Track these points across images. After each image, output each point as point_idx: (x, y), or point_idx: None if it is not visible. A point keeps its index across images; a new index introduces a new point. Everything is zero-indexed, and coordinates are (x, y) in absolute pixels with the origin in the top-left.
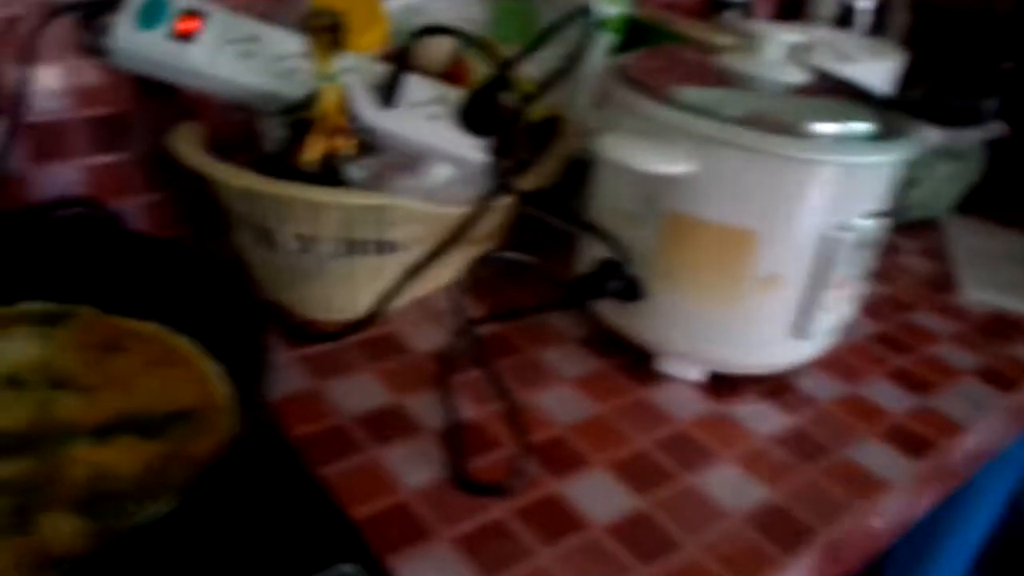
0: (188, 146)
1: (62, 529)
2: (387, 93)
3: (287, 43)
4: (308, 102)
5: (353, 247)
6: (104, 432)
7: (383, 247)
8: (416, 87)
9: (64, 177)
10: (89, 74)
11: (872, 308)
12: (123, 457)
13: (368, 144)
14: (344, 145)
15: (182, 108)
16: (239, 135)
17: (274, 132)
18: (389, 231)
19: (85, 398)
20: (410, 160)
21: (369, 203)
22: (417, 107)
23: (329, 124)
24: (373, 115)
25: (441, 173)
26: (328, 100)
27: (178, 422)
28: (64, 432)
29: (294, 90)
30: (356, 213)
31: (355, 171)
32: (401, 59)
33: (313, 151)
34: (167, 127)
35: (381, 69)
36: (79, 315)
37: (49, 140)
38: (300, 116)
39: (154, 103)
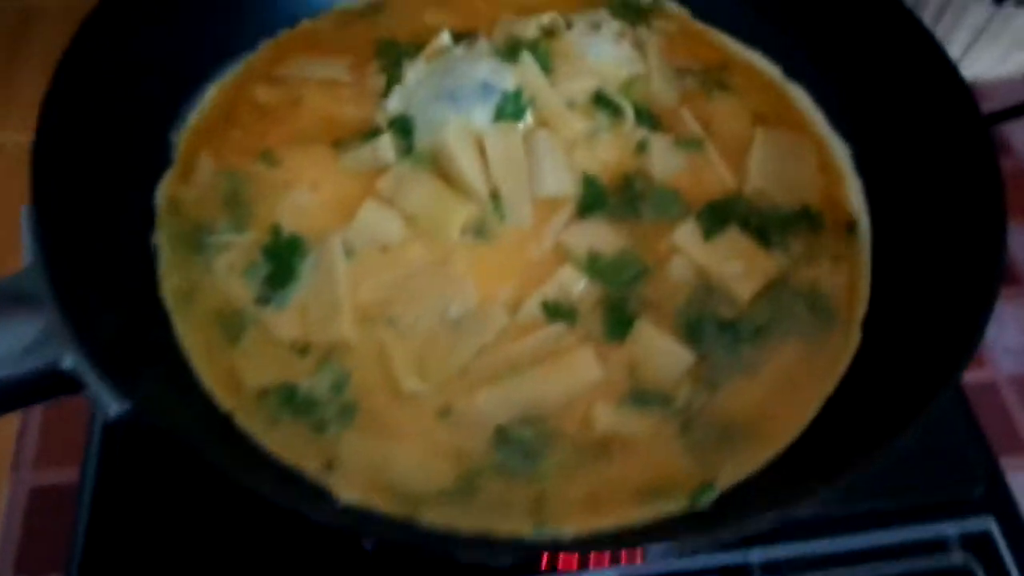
0: None
1: (658, 350)
2: None
3: None
4: None
5: None
6: (711, 219)
7: None
8: None
9: None
10: None
11: None
12: (734, 267)
13: None
14: None
15: None
16: None
17: None
18: None
19: (687, 156)
20: None
21: None
22: None
23: None
24: None
25: None
26: None
27: (798, 227)
28: (664, 200)
29: None
30: None
31: None
32: None
33: None
34: None
35: None
36: (667, 13)
37: None
38: None
39: None
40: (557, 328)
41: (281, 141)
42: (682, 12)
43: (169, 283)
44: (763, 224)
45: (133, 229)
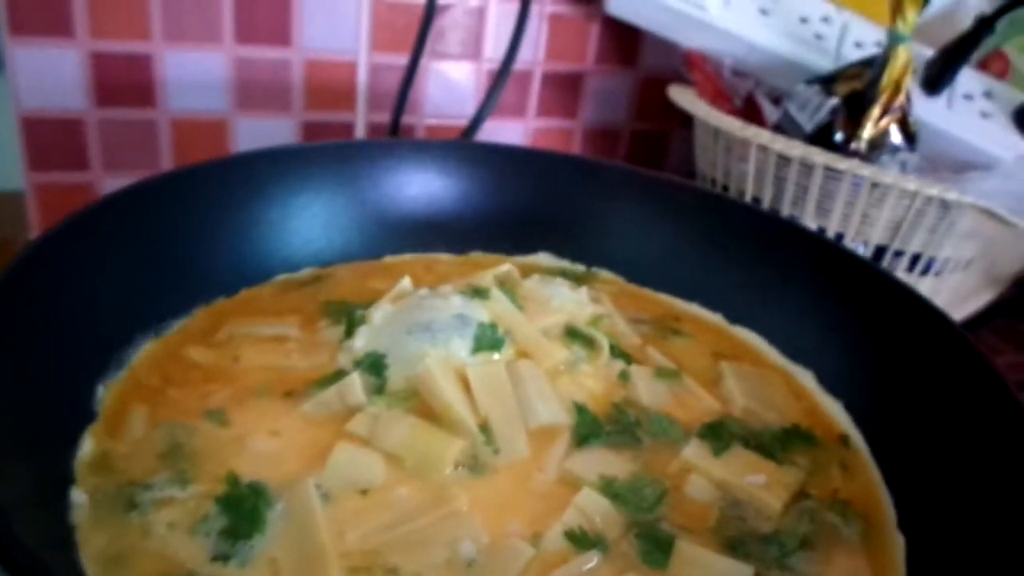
0: (706, 107)
1: (712, 570)
2: (935, 79)
3: (809, 3)
4: (847, 74)
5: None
6: (713, 437)
7: (918, 265)
8: (965, 78)
9: (510, 136)
10: (559, 25)
11: None
12: (756, 479)
13: (911, 133)
14: (891, 127)
15: (648, 74)
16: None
17: (802, 104)
18: (941, 242)
19: (669, 386)
20: (956, 160)
21: (962, 200)
22: (966, 101)
23: (891, 96)
24: (919, 102)
25: (1007, 180)
26: (898, 66)
27: (796, 442)
28: (661, 424)
29: (816, 61)
30: (918, 211)
31: (892, 164)
32: (962, 44)
33: (869, 128)
34: (621, 95)
35: (923, 51)
36: (603, 279)
37: (509, 93)
38: (853, 88)
39: (610, 67)
40: (592, 557)
41: (227, 399)
42: (616, 278)
43: (91, 547)
44: (761, 440)
45: (48, 487)
